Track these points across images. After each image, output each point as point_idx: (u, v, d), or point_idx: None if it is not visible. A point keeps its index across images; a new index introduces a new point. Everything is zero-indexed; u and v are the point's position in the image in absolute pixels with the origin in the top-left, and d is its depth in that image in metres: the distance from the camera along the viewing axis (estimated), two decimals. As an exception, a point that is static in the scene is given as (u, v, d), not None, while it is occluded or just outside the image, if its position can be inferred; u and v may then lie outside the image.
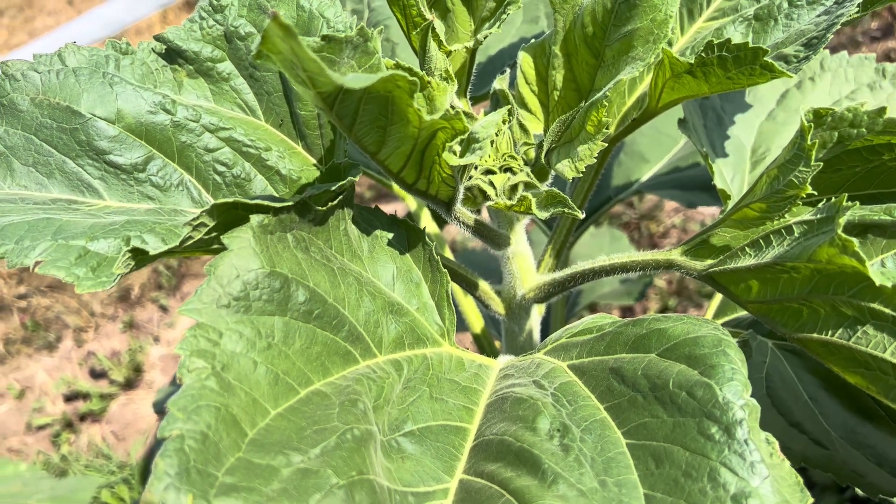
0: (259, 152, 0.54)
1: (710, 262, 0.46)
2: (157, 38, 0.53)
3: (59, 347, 2.30)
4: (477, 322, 0.74)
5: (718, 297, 0.67)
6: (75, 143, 0.51)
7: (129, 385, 2.13)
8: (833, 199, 0.39)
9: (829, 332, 0.39)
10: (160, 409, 1.17)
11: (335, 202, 0.44)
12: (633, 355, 0.43)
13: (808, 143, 0.41)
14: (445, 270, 0.49)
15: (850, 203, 0.38)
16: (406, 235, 0.50)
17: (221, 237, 0.38)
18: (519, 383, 0.47)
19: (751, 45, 0.44)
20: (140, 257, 0.42)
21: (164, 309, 2.30)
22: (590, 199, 0.66)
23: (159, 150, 0.53)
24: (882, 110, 0.42)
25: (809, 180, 0.41)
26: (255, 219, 0.39)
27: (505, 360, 0.53)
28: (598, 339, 0.45)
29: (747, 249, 0.43)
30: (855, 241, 0.37)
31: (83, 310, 2.35)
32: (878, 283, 0.36)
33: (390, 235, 0.49)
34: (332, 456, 0.34)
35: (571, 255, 1.00)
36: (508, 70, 0.59)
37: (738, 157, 0.64)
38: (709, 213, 2.02)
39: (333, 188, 0.43)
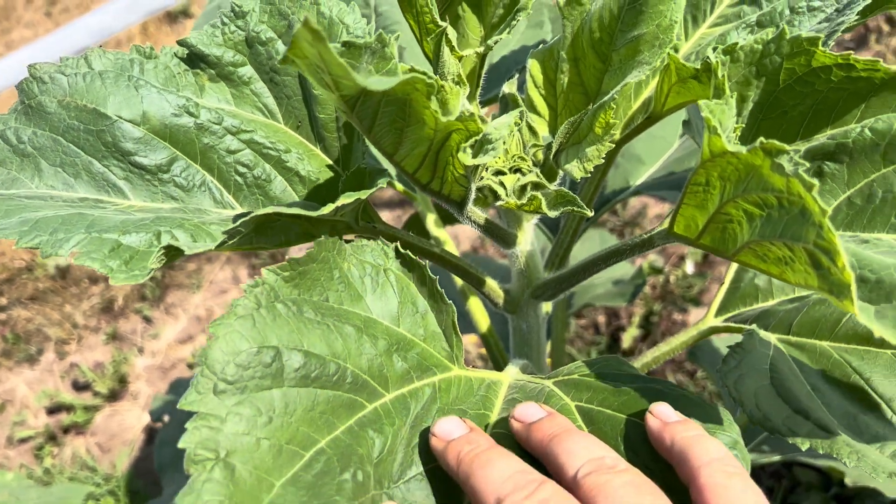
0: (279, 154, 0.56)
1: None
2: (180, 43, 0.55)
3: (40, 360, 2.28)
4: (483, 321, 0.76)
5: (720, 295, 0.69)
6: (101, 144, 0.52)
7: (114, 396, 2.12)
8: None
9: (748, 237, 0.40)
10: (157, 418, 1.18)
11: (339, 243, 0.46)
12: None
13: (720, 78, 0.43)
14: (450, 302, 0.50)
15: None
16: (409, 268, 0.50)
17: (208, 326, 0.39)
18: None
19: (753, 49, 0.47)
20: (173, 253, 0.44)
21: (148, 320, 2.29)
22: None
23: (182, 151, 0.54)
24: (782, 32, 0.44)
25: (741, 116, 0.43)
26: (238, 303, 0.41)
27: (514, 372, 0.54)
28: (615, 391, 0.46)
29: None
30: (715, 119, 0.39)
31: (66, 322, 2.33)
32: (731, 150, 0.38)
33: (393, 268, 0.49)
34: None
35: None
36: (517, 74, 0.62)
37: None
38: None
39: (364, 196, 0.45)
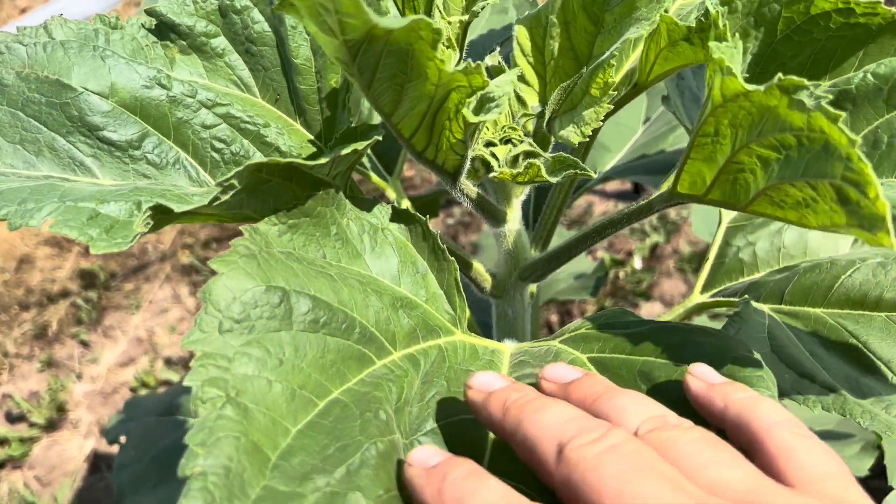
0: (258, 128, 0.53)
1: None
2: (148, 13, 0.52)
3: (-32, 392, 2.15)
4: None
5: (705, 271, 0.69)
6: (66, 118, 0.48)
7: (52, 426, 2.01)
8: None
9: (764, 184, 0.39)
10: (113, 439, 1.11)
11: (339, 194, 0.44)
12: (664, 362, 0.42)
13: (721, 28, 0.42)
14: (452, 258, 0.49)
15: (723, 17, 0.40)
16: (407, 226, 0.49)
17: (209, 262, 0.37)
18: (538, 373, 0.46)
19: (749, 6, 0.47)
20: (161, 216, 0.40)
21: (85, 344, 2.19)
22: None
23: (154, 126, 0.50)
24: (780, -20, 0.44)
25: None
26: (239, 242, 0.39)
27: (512, 345, 0.52)
28: (625, 336, 0.45)
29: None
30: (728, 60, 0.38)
31: (-5, 351, 2.20)
32: (750, 89, 0.37)
33: (392, 228, 0.48)
34: (358, 475, 0.33)
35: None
36: (498, 48, 0.60)
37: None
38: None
39: (361, 147, 0.43)
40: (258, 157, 0.53)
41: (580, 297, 1.13)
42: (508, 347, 0.51)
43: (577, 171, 0.48)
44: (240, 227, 0.41)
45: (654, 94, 0.99)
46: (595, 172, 0.96)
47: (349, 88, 0.52)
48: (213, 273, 0.36)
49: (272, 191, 0.45)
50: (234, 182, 0.40)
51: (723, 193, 0.44)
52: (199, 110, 0.52)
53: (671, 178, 0.49)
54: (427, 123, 0.46)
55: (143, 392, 2.08)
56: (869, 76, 0.44)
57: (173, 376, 2.07)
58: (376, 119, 0.79)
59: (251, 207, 0.45)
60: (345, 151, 0.42)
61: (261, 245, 0.40)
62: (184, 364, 2.12)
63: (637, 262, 1.91)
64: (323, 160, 0.41)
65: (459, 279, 0.48)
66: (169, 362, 2.13)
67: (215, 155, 0.52)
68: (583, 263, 1.34)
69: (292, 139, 0.54)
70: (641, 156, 0.86)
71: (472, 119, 0.43)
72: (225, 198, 0.40)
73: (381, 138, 0.45)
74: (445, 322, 0.47)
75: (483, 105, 0.44)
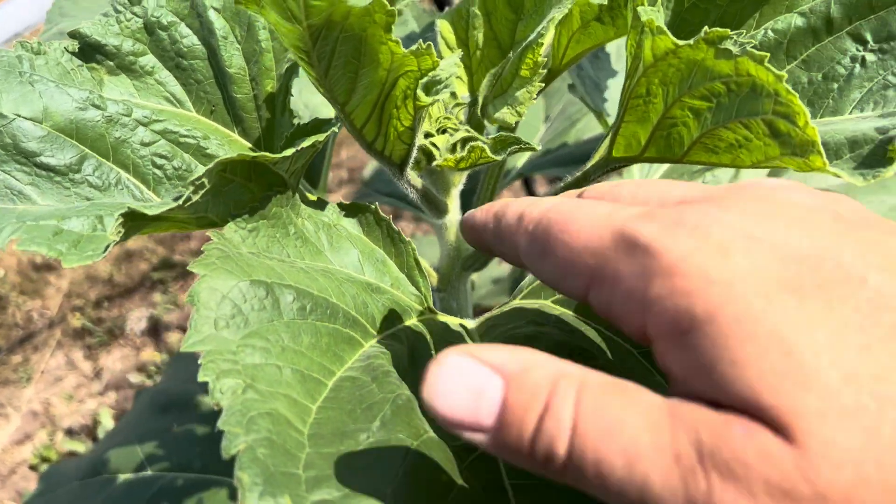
0: (197, 141, 0.52)
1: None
2: (72, 35, 0.50)
3: None
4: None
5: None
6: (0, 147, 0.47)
7: (-54, 521, 1.84)
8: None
9: (698, 133, 0.43)
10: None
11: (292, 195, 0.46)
12: None
13: None
14: (409, 240, 0.50)
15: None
16: (357, 219, 0.51)
17: (189, 266, 0.37)
18: (515, 325, 0.48)
19: (653, -18, 0.51)
20: (132, 224, 0.39)
21: (-27, 428, 2.03)
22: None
23: (92, 148, 0.49)
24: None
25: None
26: (211, 246, 0.39)
27: (471, 321, 0.54)
28: None
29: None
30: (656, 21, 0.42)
31: None
32: (680, 44, 0.41)
33: (344, 223, 0.50)
34: (395, 422, 0.35)
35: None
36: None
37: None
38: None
39: (321, 138, 0.44)
40: (202, 171, 0.53)
41: (501, 300, 1.16)
42: (471, 322, 0.53)
43: (521, 145, 0.51)
44: (208, 234, 0.41)
45: (549, 94, 1.04)
46: (517, 166, 1.00)
47: (288, 91, 0.53)
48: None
49: (232, 192, 0.45)
50: (205, 181, 0.40)
51: (658, 149, 0.48)
52: (137, 128, 0.51)
53: (605, 145, 0.52)
54: (377, 114, 0.47)
55: (45, 468, 1.94)
56: (770, 32, 0.49)
57: (78, 446, 1.96)
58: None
59: (214, 211, 0.45)
60: (305, 144, 0.43)
61: (230, 248, 0.40)
62: (87, 432, 2.00)
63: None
64: (288, 152, 0.42)
65: (419, 259, 0.50)
66: (71, 432, 2.01)
67: (157, 172, 0.51)
68: (496, 269, 1.37)
69: (233, 149, 0.54)
70: (547, 151, 0.90)
71: (425, 100, 0.45)
72: (196, 198, 0.40)
73: (337, 130, 0.46)
74: (413, 303, 0.48)
75: (431, 87, 0.46)
